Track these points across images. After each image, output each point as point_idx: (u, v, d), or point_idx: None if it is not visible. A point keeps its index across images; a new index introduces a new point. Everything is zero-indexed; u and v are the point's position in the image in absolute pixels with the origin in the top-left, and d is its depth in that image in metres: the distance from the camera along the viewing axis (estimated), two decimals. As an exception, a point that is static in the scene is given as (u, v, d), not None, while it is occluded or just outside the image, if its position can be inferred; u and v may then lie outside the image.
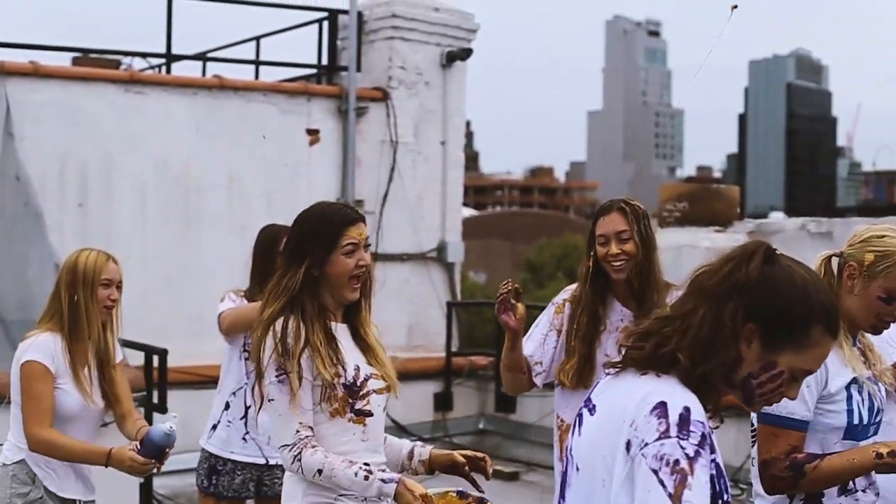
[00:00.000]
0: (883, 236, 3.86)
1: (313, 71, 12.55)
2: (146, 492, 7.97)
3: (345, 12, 12.05)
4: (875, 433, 3.81)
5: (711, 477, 2.52)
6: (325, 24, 12.26)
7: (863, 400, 3.79)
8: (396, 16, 12.04)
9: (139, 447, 4.65)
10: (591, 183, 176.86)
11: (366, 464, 3.90)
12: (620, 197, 5.02)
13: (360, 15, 12.05)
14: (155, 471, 4.80)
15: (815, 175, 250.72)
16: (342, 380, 3.96)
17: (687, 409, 2.54)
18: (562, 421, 4.94)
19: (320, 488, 3.93)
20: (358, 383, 4.00)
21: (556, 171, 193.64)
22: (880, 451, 3.61)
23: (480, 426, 12.06)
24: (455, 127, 12.46)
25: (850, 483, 3.79)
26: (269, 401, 3.94)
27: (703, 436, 2.52)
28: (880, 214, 17.74)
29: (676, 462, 2.48)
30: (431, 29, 12.26)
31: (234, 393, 5.92)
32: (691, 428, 2.51)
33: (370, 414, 4.03)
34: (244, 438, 5.93)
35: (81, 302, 4.87)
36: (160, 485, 8.40)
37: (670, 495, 2.45)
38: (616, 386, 2.71)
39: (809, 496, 3.88)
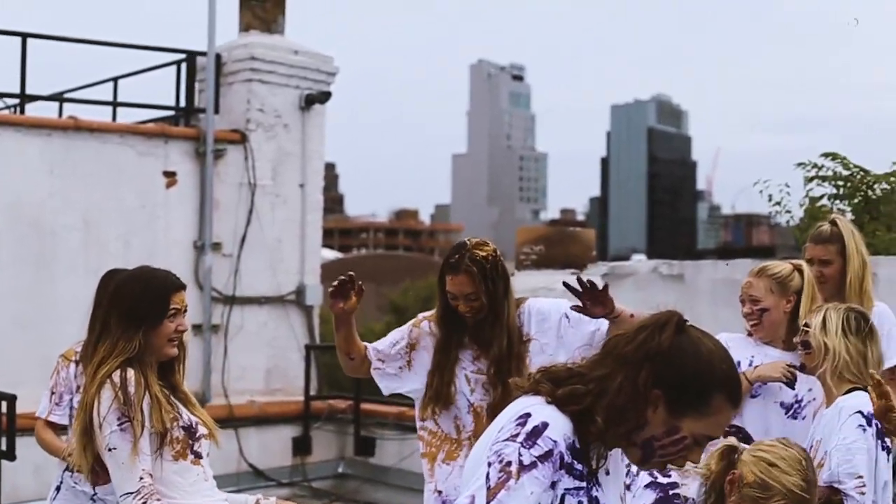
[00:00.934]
0: (773, 465, 3.77)
1: (171, 113, 12.46)
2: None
3: (203, 54, 11.99)
4: None
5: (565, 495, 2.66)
6: (184, 65, 12.17)
7: None
8: (255, 58, 12.01)
9: None
10: (455, 225, 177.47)
11: None
12: (475, 242, 5.05)
13: (218, 57, 12.00)
14: None
15: (675, 218, 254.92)
16: (180, 423, 4.10)
17: (544, 425, 2.68)
18: (448, 443, 5.07)
19: None
20: (193, 425, 4.18)
21: (421, 213, 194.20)
22: None
23: (340, 470, 12.01)
24: (314, 169, 12.46)
25: None
26: (109, 450, 4.00)
27: (550, 453, 2.65)
28: (739, 256, 18.22)
29: (508, 463, 2.63)
30: (290, 72, 12.25)
31: None
32: (539, 441, 2.65)
33: (201, 455, 4.22)
34: (93, 500, 5.78)
35: None
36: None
37: (488, 488, 2.61)
38: (517, 401, 2.84)
39: None
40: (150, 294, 4.23)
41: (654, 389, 2.73)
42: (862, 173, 9.36)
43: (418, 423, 5.18)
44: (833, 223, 5.87)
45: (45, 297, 10.60)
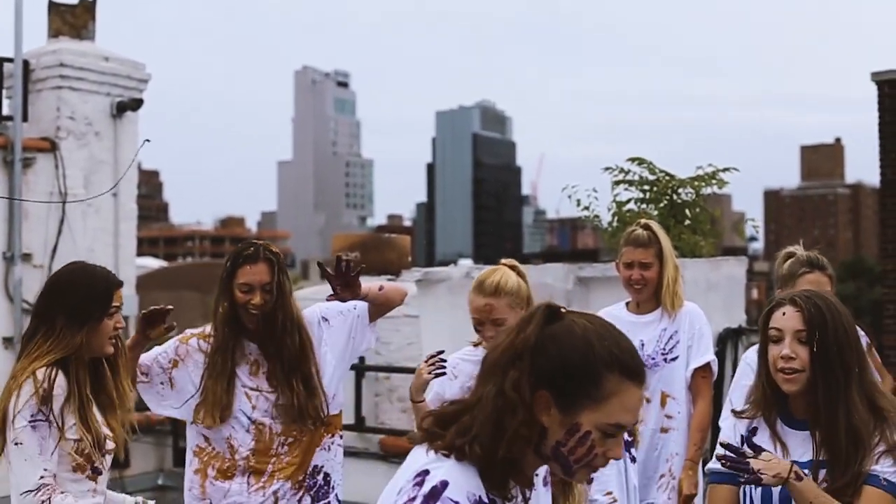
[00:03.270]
0: None
1: (-23, 121, 12.14)
2: None
3: (10, 60, 11.70)
4: None
5: None
6: (-10, 72, 11.89)
7: None
8: (64, 65, 11.77)
9: None
10: (282, 232, 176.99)
11: None
12: (262, 243, 5.05)
13: (26, 63, 11.72)
14: None
15: (501, 222, 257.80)
16: (92, 436, 4.13)
17: (443, 484, 2.42)
18: (220, 461, 4.95)
19: None
20: (101, 442, 4.20)
21: (248, 220, 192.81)
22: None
23: (160, 482, 11.89)
24: (127, 178, 12.21)
25: None
26: (15, 444, 4.04)
27: None
28: (565, 260, 18.55)
29: None
30: (101, 79, 12.03)
31: None
32: (438, 503, 2.39)
33: (101, 472, 4.25)
34: None
35: None
36: None
37: None
38: (412, 454, 2.59)
39: None
40: (94, 292, 4.23)
41: (538, 391, 2.46)
42: (667, 177, 9.56)
43: (194, 443, 5.03)
44: (646, 227, 6.01)
45: None
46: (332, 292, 5.11)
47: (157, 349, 5.07)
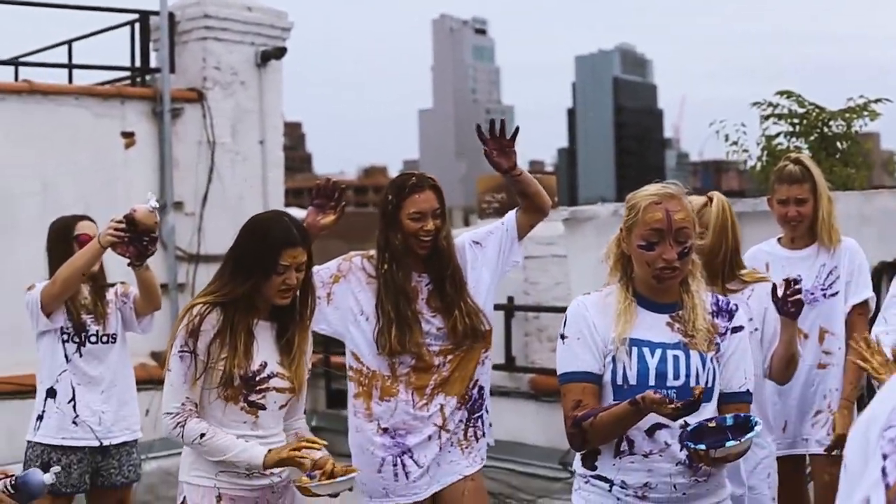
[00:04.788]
0: (635, 193, 4.03)
1: (127, 74, 12.38)
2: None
3: (156, 13, 11.91)
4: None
5: None
6: (137, 25, 12.08)
7: (632, 363, 3.87)
8: (208, 16, 11.93)
9: (10, 486, 4.44)
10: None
11: (246, 439, 4.32)
12: (419, 172, 5.18)
13: (171, 16, 11.91)
14: None
15: (644, 166, 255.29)
16: (242, 372, 4.29)
17: None
18: (379, 380, 5.06)
19: (204, 463, 4.33)
20: (257, 378, 4.35)
21: (390, 170, 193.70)
22: (637, 398, 3.66)
23: (313, 423, 11.99)
24: (273, 126, 12.39)
25: (624, 444, 3.88)
26: (167, 370, 4.34)
27: None
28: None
29: None
30: (245, 28, 12.17)
31: (56, 379, 5.85)
32: None
33: (263, 407, 4.38)
34: (74, 422, 5.85)
35: None
36: None
37: (887, 486, 1.89)
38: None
39: (584, 457, 3.99)
40: (261, 249, 4.33)
41: None
42: (817, 110, 9.39)
43: (347, 364, 5.18)
44: (798, 162, 5.90)
45: (5, 263, 10.52)
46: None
47: (315, 266, 5.11)
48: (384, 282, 5.03)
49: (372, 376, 5.06)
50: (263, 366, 4.36)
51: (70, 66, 12.32)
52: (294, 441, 4.49)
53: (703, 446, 3.58)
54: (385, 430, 5.06)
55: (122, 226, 5.43)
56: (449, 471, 5.10)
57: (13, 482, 4.48)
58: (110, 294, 6.10)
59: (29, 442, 5.91)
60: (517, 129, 5.08)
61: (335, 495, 4.35)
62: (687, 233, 3.91)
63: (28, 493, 4.49)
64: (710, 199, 5.09)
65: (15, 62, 12.65)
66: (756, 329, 4.91)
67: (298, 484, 4.28)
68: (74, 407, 5.86)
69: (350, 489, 4.37)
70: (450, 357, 5.07)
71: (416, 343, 4.99)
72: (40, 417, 5.91)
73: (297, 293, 4.42)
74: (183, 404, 4.30)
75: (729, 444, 3.54)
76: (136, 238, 5.50)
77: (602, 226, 9.12)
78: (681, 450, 3.75)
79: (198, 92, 11.90)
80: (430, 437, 5.05)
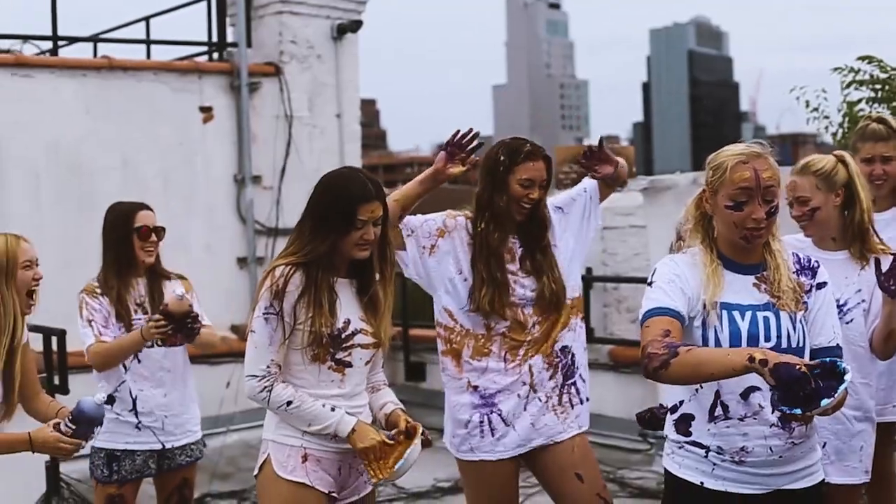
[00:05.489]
0: (719, 153, 3.96)
1: (204, 49, 12.46)
2: (54, 475, 7.83)
3: (233, -12, 11.97)
4: None
5: None
6: (214, 1, 12.15)
7: (724, 326, 3.80)
8: (284, -10, 11.97)
9: (69, 423, 4.52)
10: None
11: (333, 406, 4.34)
12: (530, 141, 5.19)
13: (247, -10, 11.97)
14: (81, 448, 4.65)
15: (720, 140, 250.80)
16: (328, 330, 4.31)
17: None
18: (472, 339, 5.09)
19: (290, 424, 4.37)
20: (343, 336, 4.38)
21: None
22: (754, 354, 3.47)
23: (391, 397, 12.07)
24: (349, 100, 12.41)
25: (719, 409, 3.83)
26: (250, 331, 4.34)
27: None
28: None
29: None
30: (321, 2, 12.18)
31: (116, 389, 5.76)
32: None
33: (349, 365, 4.41)
34: (137, 427, 5.80)
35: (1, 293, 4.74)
36: (68, 469, 8.29)
37: None
38: None
39: (677, 423, 3.93)
40: (339, 204, 4.33)
41: None
42: (900, 76, 9.22)
43: (437, 320, 5.20)
44: (881, 121, 5.79)
45: (88, 236, 10.58)
46: None
47: (422, 216, 5.19)
48: (479, 242, 5.07)
49: (465, 334, 5.08)
50: (347, 323, 4.38)
51: (148, 42, 12.43)
52: (392, 413, 4.57)
53: (798, 410, 3.48)
54: (475, 388, 5.07)
55: (163, 321, 5.35)
56: (542, 434, 5.12)
57: (70, 418, 4.54)
58: (168, 290, 5.86)
59: (93, 447, 5.87)
60: (601, 140, 5.26)
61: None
62: (774, 191, 3.84)
63: (87, 419, 4.53)
64: (841, 160, 4.97)
65: (94, 39, 12.79)
66: (863, 301, 4.86)
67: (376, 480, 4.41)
68: (136, 414, 5.80)
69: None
70: (540, 318, 5.09)
71: (507, 304, 5.02)
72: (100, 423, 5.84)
73: (376, 248, 4.42)
74: (268, 367, 4.31)
75: (824, 402, 3.44)
76: (180, 325, 5.43)
77: (681, 195, 9.02)
78: (772, 412, 3.68)
79: (275, 66, 11.95)
80: (519, 397, 5.07)
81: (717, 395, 3.82)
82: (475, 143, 5.05)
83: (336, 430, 4.33)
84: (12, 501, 5.90)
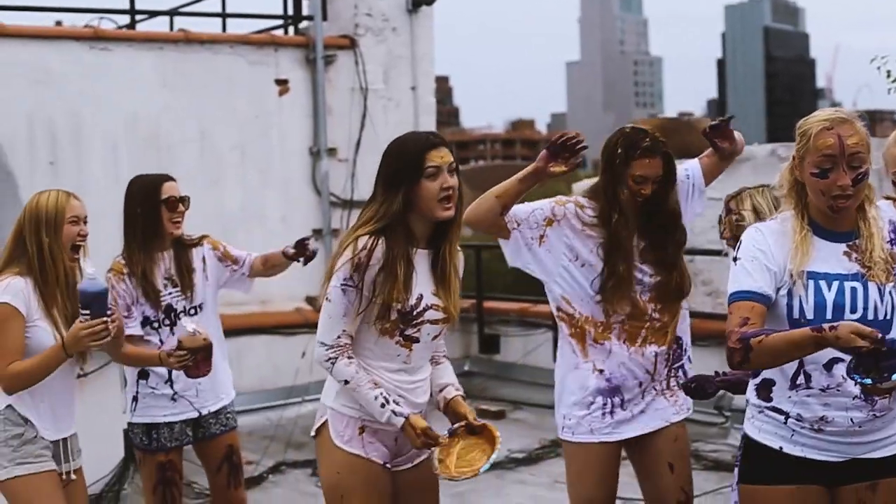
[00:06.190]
0: (806, 120, 3.91)
1: (280, 22, 12.51)
2: (130, 442, 7.88)
3: (308, -39, 11.99)
4: None
5: None
6: (290, -26, 12.21)
7: (809, 296, 3.77)
8: (360, -38, 11.98)
9: (82, 311, 4.59)
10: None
11: (386, 398, 4.30)
12: (646, 128, 5.14)
13: (323, -37, 11.98)
14: (110, 325, 4.65)
15: (796, 116, 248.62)
16: (400, 307, 4.28)
17: None
18: (592, 325, 5.06)
19: (350, 397, 4.35)
20: (414, 312, 4.34)
21: (538, 123, 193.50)
22: (823, 325, 3.47)
23: (466, 368, 12.09)
24: (424, 72, 12.41)
25: (801, 378, 3.80)
26: (326, 299, 4.29)
27: None
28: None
29: None
30: (396, -25, 12.20)
31: None
32: None
33: (417, 340, 4.38)
34: (173, 398, 5.82)
35: (46, 245, 4.88)
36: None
37: None
38: None
39: (759, 388, 3.90)
40: (404, 155, 4.27)
41: None
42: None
43: (554, 305, 5.15)
44: None
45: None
46: None
47: (530, 204, 5.09)
48: (610, 234, 4.97)
49: (585, 321, 5.06)
50: (420, 299, 4.33)
51: (224, 16, 12.49)
52: (453, 399, 4.55)
53: (869, 381, 3.44)
54: (601, 372, 5.06)
55: (183, 352, 5.26)
56: (655, 416, 5.13)
57: (81, 307, 4.62)
58: (196, 259, 5.88)
59: (129, 423, 5.91)
60: (730, 117, 5.23)
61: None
62: (861, 157, 3.76)
63: (92, 296, 4.59)
64: None
65: (171, 13, 12.85)
66: None
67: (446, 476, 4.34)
68: (171, 385, 5.81)
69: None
70: (660, 306, 5.06)
71: (627, 297, 4.99)
72: (135, 398, 5.85)
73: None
74: (339, 337, 4.28)
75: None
76: (203, 355, 5.34)
77: (758, 167, 8.96)
78: (846, 379, 3.63)
79: (350, 39, 11.97)
80: (640, 384, 5.08)
81: (801, 363, 3.79)
82: (580, 146, 4.90)
83: (386, 421, 4.30)
84: (93, 466, 5.98)
